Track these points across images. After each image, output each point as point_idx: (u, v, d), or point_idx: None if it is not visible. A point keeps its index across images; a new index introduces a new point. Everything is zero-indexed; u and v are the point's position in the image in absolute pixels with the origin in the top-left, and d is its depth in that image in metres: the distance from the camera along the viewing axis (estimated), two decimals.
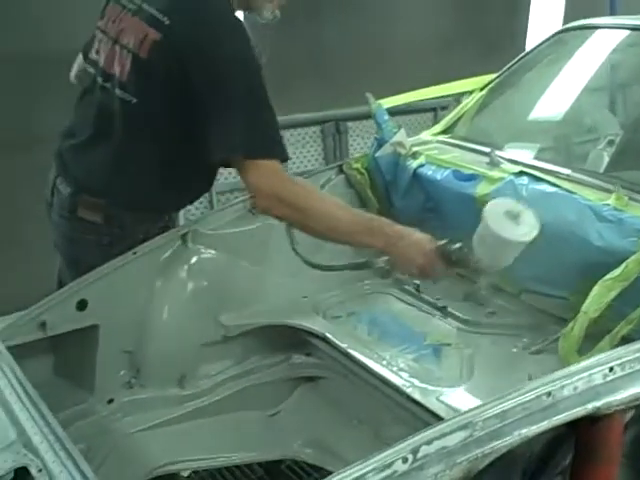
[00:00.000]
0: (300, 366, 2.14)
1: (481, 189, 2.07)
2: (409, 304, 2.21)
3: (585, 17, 2.94)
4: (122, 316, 1.96)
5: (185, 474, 2.13)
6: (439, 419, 1.60)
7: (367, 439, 1.95)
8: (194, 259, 2.07)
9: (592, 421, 1.35)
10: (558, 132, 2.95)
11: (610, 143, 2.76)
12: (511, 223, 1.70)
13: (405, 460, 1.18)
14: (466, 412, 1.26)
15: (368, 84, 4.32)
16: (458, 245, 1.75)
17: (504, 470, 1.38)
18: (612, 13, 4.30)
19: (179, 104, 1.85)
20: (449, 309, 2.14)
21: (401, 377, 1.85)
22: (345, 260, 2.02)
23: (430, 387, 1.80)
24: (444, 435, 1.21)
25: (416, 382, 1.82)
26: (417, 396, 1.75)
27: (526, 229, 1.71)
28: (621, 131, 2.84)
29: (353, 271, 2.04)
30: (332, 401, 2.09)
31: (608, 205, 1.85)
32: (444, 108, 4.50)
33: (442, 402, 1.73)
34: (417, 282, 2.23)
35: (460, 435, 1.22)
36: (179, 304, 2.04)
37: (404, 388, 1.79)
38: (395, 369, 1.88)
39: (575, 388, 1.31)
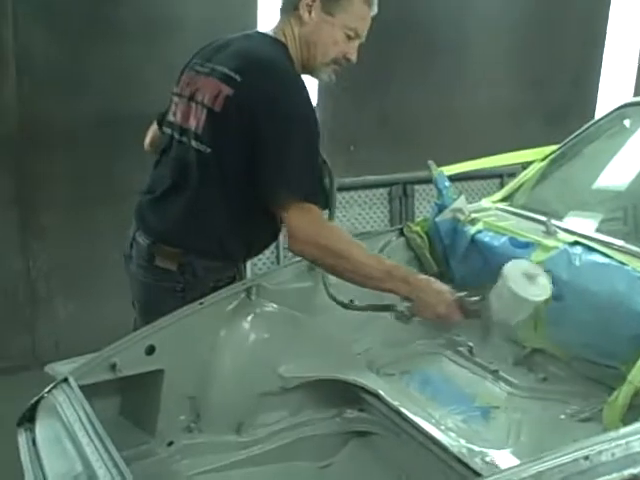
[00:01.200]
0: (352, 421, 2.20)
1: (536, 257, 2.13)
2: (461, 366, 2.26)
3: None
4: (186, 362, 2.05)
5: None
6: None
7: None
8: (257, 312, 2.17)
9: None
10: (617, 204, 3.00)
11: None
12: (527, 282, 1.84)
13: None
14: (504, 470, 1.32)
15: (436, 150, 4.44)
16: (476, 298, 1.90)
17: None
18: None
19: (249, 153, 2.00)
20: (500, 373, 2.18)
21: (449, 436, 1.89)
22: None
23: (476, 448, 1.84)
24: None
25: (463, 442, 1.86)
26: (463, 456, 1.79)
27: (539, 290, 1.85)
28: None
29: (376, 312, 2.15)
30: (382, 457, 2.14)
31: None
32: (511, 175, 4.58)
33: (487, 463, 1.77)
34: (470, 344, 2.30)
35: None
36: (241, 354, 2.13)
37: (451, 447, 1.83)
38: (443, 428, 1.93)
39: (613, 454, 1.35)
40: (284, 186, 1.96)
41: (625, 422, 1.72)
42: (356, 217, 4.40)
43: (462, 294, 1.93)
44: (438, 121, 4.96)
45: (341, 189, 4.35)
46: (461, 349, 2.31)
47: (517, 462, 1.75)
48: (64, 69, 3.66)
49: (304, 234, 1.96)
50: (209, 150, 2.06)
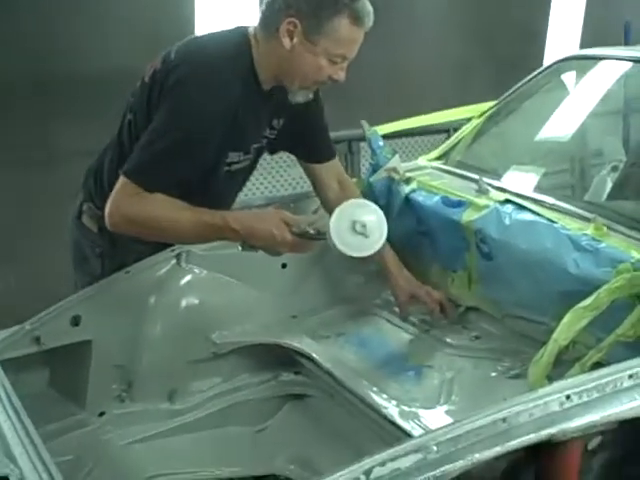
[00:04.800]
0: (288, 384, 2.19)
1: (467, 216, 2.11)
2: (397, 326, 2.25)
3: (601, 43, 2.96)
4: (115, 332, 2.03)
5: None
6: None
7: (349, 457, 1.97)
8: (187, 278, 2.15)
9: (550, 447, 1.39)
10: (562, 157, 3.00)
11: (614, 169, 2.80)
12: (356, 237, 1.79)
13: None
14: (421, 435, 1.31)
15: (384, 106, 4.40)
16: (313, 231, 1.84)
17: None
18: (626, 40, 4.34)
19: None
20: (435, 332, 2.18)
21: (381, 397, 1.89)
22: None
23: (407, 408, 1.84)
24: (398, 457, 1.26)
25: (394, 403, 1.86)
26: (393, 417, 1.80)
27: (366, 242, 1.81)
28: (625, 158, 2.88)
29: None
30: (318, 419, 2.14)
31: (586, 235, 1.88)
32: (457, 130, 4.56)
33: (417, 423, 1.77)
34: None
35: (413, 458, 1.26)
36: (171, 321, 2.10)
37: (382, 408, 1.84)
38: (376, 389, 1.92)
39: (531, 415, 1.34)
40: (130, 161, 1.89)
41: (551, 379, 1.73)
42: (301, 176, 4.33)
43: (296, 227, 1.85)
44: (386, 77, 4.90)
45: None
46: (397, 309, 2.29)
47: (446, 421, 1.77)
48: None
49: (113, 211, 1.87)
50: (130, 116, 2.05)
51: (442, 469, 1.26)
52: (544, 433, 1.34)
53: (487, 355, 2.07)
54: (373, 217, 1.83)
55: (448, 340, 2.14)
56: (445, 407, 1.87)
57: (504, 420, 1.32)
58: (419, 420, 1.80)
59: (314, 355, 2.04)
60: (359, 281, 2.40)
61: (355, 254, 1.81)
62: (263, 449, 2.13)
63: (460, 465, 1.28)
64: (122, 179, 1.87)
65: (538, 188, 2.34)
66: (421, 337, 2.18)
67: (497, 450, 1.30)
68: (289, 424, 2.17)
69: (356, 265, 2.37)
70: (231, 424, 2.15)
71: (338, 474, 1.23)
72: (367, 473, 1.23)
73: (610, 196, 2.50)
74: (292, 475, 2.06)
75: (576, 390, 1.39)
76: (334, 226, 1.79)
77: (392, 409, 1.84)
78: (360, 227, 1.79)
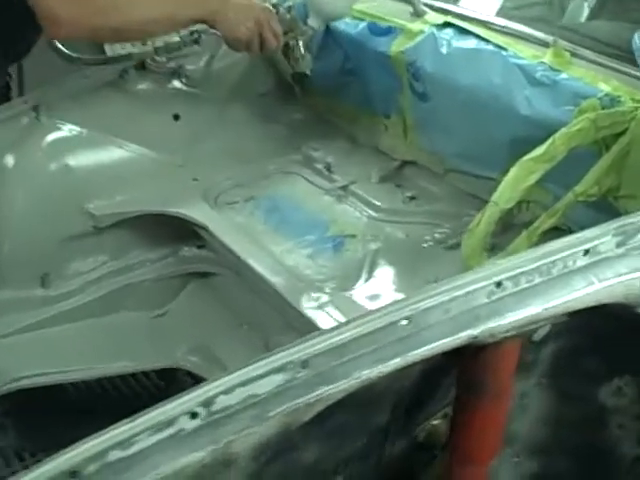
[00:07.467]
0: (190, 260, 1.85)
1: (396, 46, 1.68)
2: (317, 186, 1.85)
3: None
4: None
5: None
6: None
7: (256, 348, 1.66)
8: (51, 136, 1.75)
9: (476, 348, 1.03)
10: None
11: None
12: None
13: (194, 415, 0.87)
14: (287, 348, 0.94)
15: None
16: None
17: (363, 408, 1.08)
18: None
19: None
20: (362, 193, 1.79)
21: (288, 278, 1.54)
22: None
23: (316, 292, 1.48)
24: (253, 380, 0.90)
25: (302, 285, 1.51)
26: (296, 302, 1.45)
27: None
28: None
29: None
30: (224, 301, 1.82)
31: (543, 63, 1.46)
32: None
33: (324, 310, 1.42)
34: (329, 160, 1.89)
35: (275, 379, 0.91)
36: (36, 190, 1.73)
37: (286, 294, 1.48)
38: (281, 268, 1.57)
39: (446, 311, 0.98)
40: None
41: (493, 251, 1.37)
42: None
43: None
44: None
45: None
46: (318, 166, 1.89)
47: (361, 306, 1.43)
48: None
49: (67, 13, 1.50)
50: None
51: (316, 393, 0.91)
52: (463, 335, 0.98)
53: (423, 220, 1.69)
54: None
55: (377, 202, 1.75)
56: (365, 289, 1.51)
57: (408, 320, 0.96)
58: (330, 306, 1.44)
59: (209, 226, 1.67)
60: (275, 133, 1.98)
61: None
62: (161, 338, 1.81)
63: (342, 387, 0.93)
64: None
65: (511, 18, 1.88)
66: (345, 199, 1.79)
67: (396, 362, 0.94)
68: (192, 308, 1.85)
69: (272, 112, 1.97)
70: (122, 309, 1.83)
71: (167, 407, 0.87)
72: (207, 404, 0.88)
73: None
74: (193, 368, 1.75)
75: (511, 274, 1.02)
76: None
77: (298, 292, 1.48)
78: None
